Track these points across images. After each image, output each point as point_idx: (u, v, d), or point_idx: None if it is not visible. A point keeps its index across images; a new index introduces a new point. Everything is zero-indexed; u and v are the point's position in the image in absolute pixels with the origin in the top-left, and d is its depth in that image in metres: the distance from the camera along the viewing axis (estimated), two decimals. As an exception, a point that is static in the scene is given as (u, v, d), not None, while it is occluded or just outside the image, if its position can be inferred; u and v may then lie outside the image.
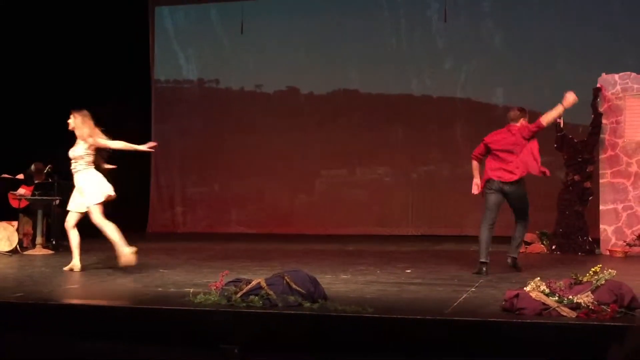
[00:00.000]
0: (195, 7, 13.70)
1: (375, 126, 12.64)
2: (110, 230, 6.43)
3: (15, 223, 8.82)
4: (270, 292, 4.22)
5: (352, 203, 12.69)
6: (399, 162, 12.58)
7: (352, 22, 12.81)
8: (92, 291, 4.98)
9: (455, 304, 4.42)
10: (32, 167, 9.25)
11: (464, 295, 4.80)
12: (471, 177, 6.54)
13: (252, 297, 4.21)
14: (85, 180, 6.65)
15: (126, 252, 6.29)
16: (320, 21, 12.98)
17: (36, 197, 8.71)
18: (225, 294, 4.31)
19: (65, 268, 6.50)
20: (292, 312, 4.01)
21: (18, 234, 8.63)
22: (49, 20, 11.83)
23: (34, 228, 8.78)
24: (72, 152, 6.72)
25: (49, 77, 11.99)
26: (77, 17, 12.13)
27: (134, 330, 4.22)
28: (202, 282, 5.32)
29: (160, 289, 5.11)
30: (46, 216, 8.84)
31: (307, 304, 4.16)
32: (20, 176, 9.11)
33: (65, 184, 9.00)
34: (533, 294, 4.03)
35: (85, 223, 10.80)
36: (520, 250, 8.56)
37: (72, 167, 6.73)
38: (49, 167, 9.08)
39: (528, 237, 8.42)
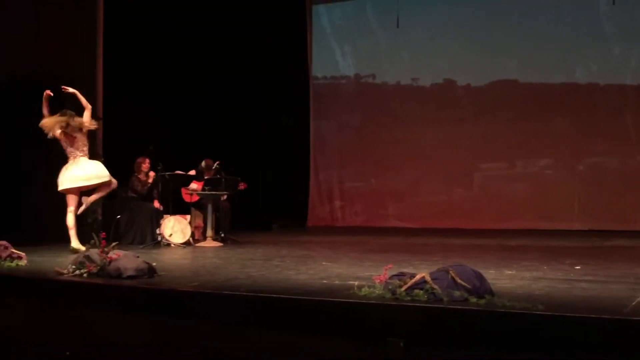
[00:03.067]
0: (351, 4, 13.86)
1: (536, 117, 12.18)
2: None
3: (188, 217, 9.40)
4: (435, 287, 4.18)
5: (512, 197, 12.31)
6: (563, 154, 12.03)
7: (510, 9, 12.40)
8: (261, 282, 5.18)
9: (634, 302, 4.16)
10: (203, 163, 9.82)
11: (643, 294, 4.50)
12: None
13: (416, 291, 4.19)
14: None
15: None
16: (477, 10, 12.67)
17: (206, 192, 9.23)
18: (390, 287, 4.32)
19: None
20: (458, 307, 3.95)
21: (190, 226, 9.19)
22: (213, 22, 12.43)
23: (205, 221, 9.31)
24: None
25: (213, 78, 12.63)
26: (239, 19, 12.67)
27: (299, 321, 4.35)
28: (365, 275, 5.38)
29: (325, 281, 5.22)
30: (215, 210, 9.35)
31: (474, 300, 4.08)
32: (192, 172, 9.66)
33: (232, 180, 9.48)
34: None
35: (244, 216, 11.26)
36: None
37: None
38: (217, 163, 9.57)
39: None
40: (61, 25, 9.15)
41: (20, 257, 6.36)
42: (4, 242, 6.40)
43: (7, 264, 6.18)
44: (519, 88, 12.41)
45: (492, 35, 12.52)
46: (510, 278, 5.39)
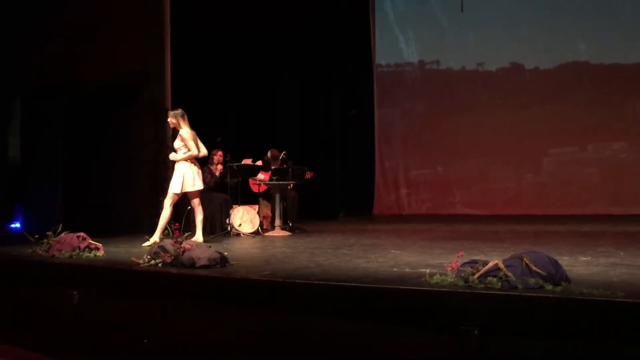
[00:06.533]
0: (414, -11, 13.74)
1: (608, 99, 11.85)
2: (164, 216, 7.32)
3: (256, 207, 9.52)
4: (509, 274, 4.11)
5: (584, 182, 12.02)
6: (637, 136, 11.67)
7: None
8: (331, 271, 5.20)
9: None
10: (269, 153, 9.92)
11: None
12: None
13: (489, 278, 4.14)
14: (177, 169, 7.55)
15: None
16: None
17: (273, 182, 9.32)
18: (462, 275, 4.27)
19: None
20: (534, 294, 3.89)
21: (259, 216, 9.30)
22: (277, 15, 12.48)
23: (273, 211, 9.40)
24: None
25: (278, 68, 12.70)
26: (301, 8, 12.67)
27: (371, 310, 4.35)
28: (435, 262, 5.35)
29: (395, 269, 5.20)
30: (283, 200, 9.42)
31: (549, 287, 4.00)
32: (259, 162, 9.76)
33: (298, 169, 9.53)
34: None
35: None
36: None
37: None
38: (283, 154, 9.64)
39: None
40: (129, 26, 9.37)
41: (97, 248, 6.57)
42: (82, 234, 6.62)
43: (86, 254, 6.40)
44: (590, 70, 12.09)
45: (560, 16, 12.21)
46: (585, 265, 5.26)
